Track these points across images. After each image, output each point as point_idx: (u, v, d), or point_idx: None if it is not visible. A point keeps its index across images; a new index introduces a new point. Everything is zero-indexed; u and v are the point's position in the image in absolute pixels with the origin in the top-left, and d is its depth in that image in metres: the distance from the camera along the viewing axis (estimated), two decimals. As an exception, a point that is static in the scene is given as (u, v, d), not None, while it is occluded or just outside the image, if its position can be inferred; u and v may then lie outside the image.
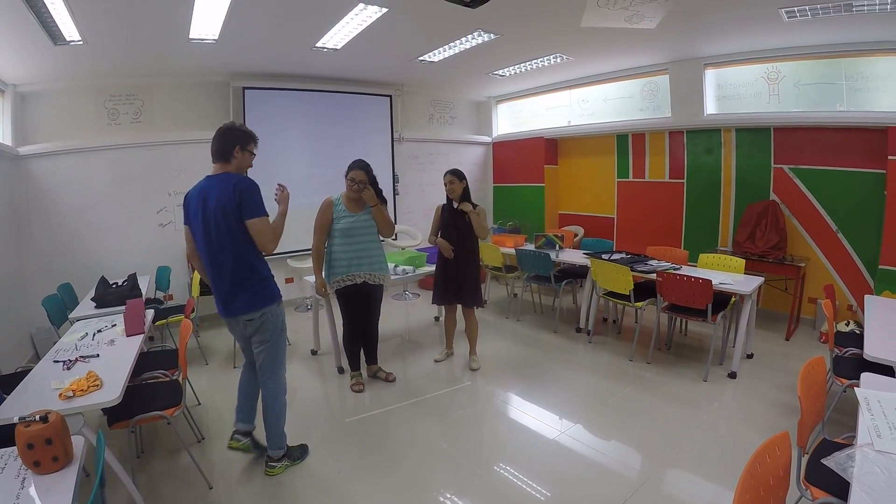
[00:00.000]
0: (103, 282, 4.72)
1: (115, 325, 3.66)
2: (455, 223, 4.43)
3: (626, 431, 3.55)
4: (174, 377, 3.47)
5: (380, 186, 4.06)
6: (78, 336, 3.46)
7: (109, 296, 4.42)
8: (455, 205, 4.40)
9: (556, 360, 4.92)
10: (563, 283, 5.63)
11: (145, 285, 5.18)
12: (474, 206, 4.38)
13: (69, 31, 4.24)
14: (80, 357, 3.00)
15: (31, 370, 2.88)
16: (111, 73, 5.67)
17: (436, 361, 4.78)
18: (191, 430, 3.59)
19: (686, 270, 4.74)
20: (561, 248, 6.00)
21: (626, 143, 7.18)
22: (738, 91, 5.93)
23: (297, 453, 3.27)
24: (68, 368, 2.83)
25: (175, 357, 3.73)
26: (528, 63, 6.40)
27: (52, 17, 3.90)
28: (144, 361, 3.63)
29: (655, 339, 4.84)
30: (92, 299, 4.48)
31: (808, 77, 5.39)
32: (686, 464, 3.12)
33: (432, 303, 4.73)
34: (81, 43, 4.54)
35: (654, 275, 4.59)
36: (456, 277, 4.46)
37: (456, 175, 4.37)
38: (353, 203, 4.00)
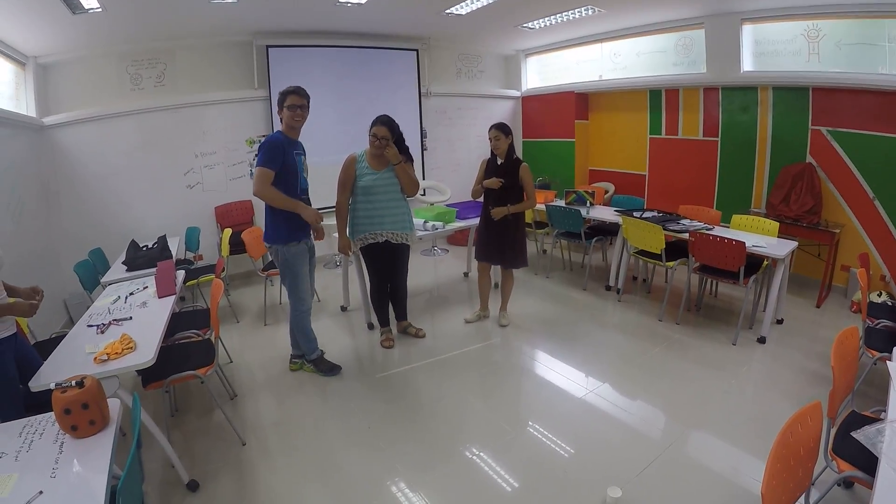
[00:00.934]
0: (133, 245, 4.78)
1: (146, 287, 3.70)
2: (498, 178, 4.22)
3: (653, 392, 3.53)
4: (206, 336, 3.52)
5: (406, 144, 3.98)
6: (111, 300, 3.50)
7: (140, 258, 4.48)
8: (498, 161, 4.23)
9: (584, 317, 4.90)
10: (594, 240, 5.56)
11: (175, 247, 5.22)
12: (519, 162, 4.21)
13: None
14: (114, 320, 3.04)
15: (65, 335, 2.92)
16: (132, 39, 5.58)
17: (466, 322, 4.72)
18: (224, 388, 3.67)
19: (718, 231, 4.61)
20: (592, 204, 5.89)
21: (660, 99, 6.92)
22: (776, 48, 5.62)
23: (325, 367, 3.82)
24: (102, 332, 2.87)
25: (207, 317, 3.78)
26: (558, 15, 6.15)
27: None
28: (177, 322, 3.66)
29: (685, 300, 4.74)
30: (123, 262, 4.55)
31: (849, 37, 5.07)
32: (712, 428, 3.09)
33: (475, 258, 4.62)
34: (100, 10, 4.46)
35: (687, 234, 4.48)
36: (498, 236, 4.33)
37: (502, 130, 4.14)
38: (376, 160, 3.92)
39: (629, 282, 5.63)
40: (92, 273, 4.58)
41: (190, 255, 5.84)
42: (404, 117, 7.27)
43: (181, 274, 4.08)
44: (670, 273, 4.78)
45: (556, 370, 3.89)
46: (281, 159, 3.30)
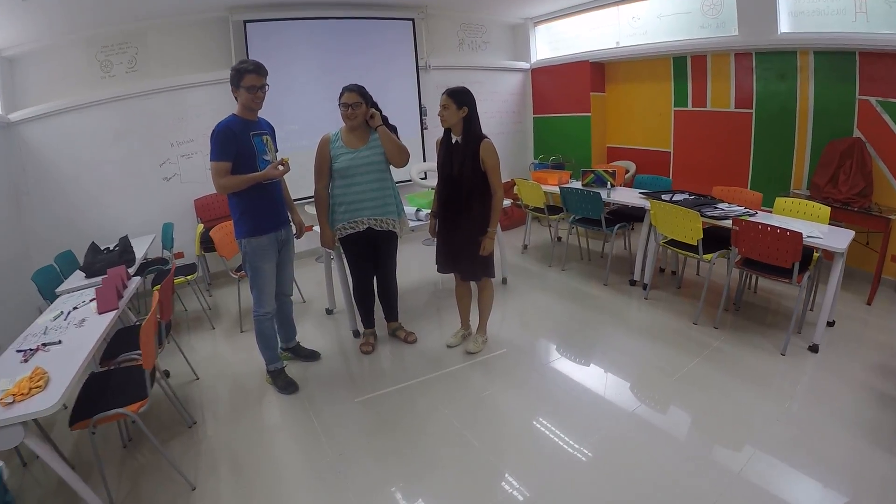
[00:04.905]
0: (93, 248, 4.26)
1: (93, 299, 3.18)
2: (451, 163, 3.31)
3: (700, 420, 2.89)
4: (159, 353, 3.03)
5: (384, 114, 3.45)
6: (52, 316, 3.06)
7: (98, 263, 3.96)
8: (453, 139, 3.31)
9: (607, 319, 4.25)
10: (616, 227, 4.87)
11: (145, 246, 4.81)
12: (479, 139, 3.24)
13: None
14: (42, 345, 2.59)
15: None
16: (98, 22, 5.14)
17: (449, 347, 3.80)
18: (180, 415, 3.15)
19: (762, 217, 3.94)
20: (613, 186, 5.20)
21: (685, 67, 6.22)
22: (817, 6, 4.90)
23: (281, 382, 3.42)
24: (26, 360, 2.44)
25: (165, 329, 3.27)
26: None
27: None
28: (126, 339, 3.19)
29: (724, 300, 4.04)
30: (80, 269, 4.04)
31: None
32: (771, 468, 2.46)
33: (437, 270, 3.67)
34: None
35: (729, 222, 3.81)
36: (454, 238, 3.45)
37: (452, 97, 3.19)
38: (353, 136, 3.39)
39: (656, 275, 4.95)
40: (57, 280, 4.11)
41: (167, 255, 5.30)
42: (401, 94, 6.76)
43: (135, 281, 3.59)
44: (709, 268, 4.12)
45: (575, 391, 3.24)
46: (234, 148, 2.94)
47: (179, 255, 5.72)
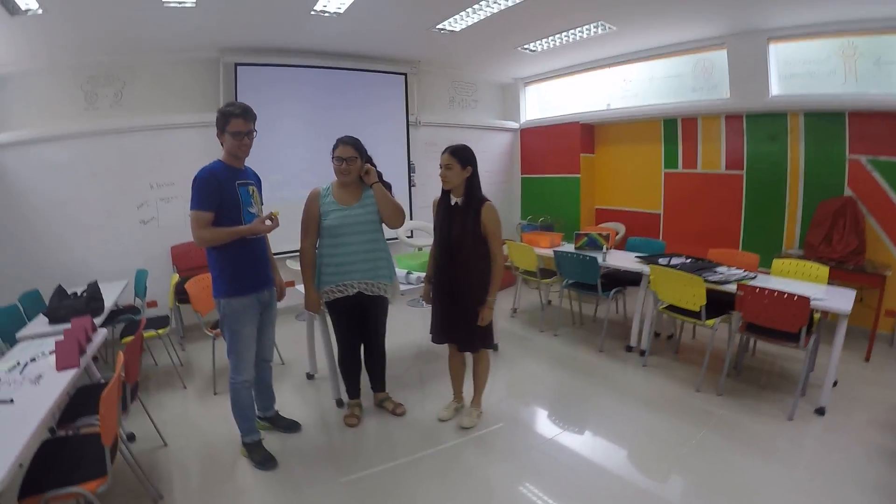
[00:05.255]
0: (59, 292, 3.96)
1: (53, 352, 2.86)
2: (450, 226, 3.12)
3: (713, 494, 2.69)
4: (123, 419, 2.74)
5: (378, 169, 3.23)
6: (7, 366, 2.76)
7: (63, 309, 3.66)
8: (453, 200, 3.14)
9: (607, 389, 4.03)
10: (612, 291, 4.72)
11: (116, 292, 4.51)
12: (482, 201, 3.07)
13: None
14: None
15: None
16: (86, 50, 4.99)
17: (441, 421, 3.50)
18: (144, 488, 2.79)
19: (762, 280, 3.90)
20: (607, 249, 5.08)
21: (675, 129, 6.29)
22: (807, 69, 5.04)
23: (258, 457, 3.07)
24: None
25: (131, 393, 2.96)
26: (564, 34, 5.50)
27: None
28: (88, 398, 2.86)
29: (727, 365, 3.90)
30: (45, 314, 3.73)
31: (890, 53, 4.54)
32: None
33: (431, 340, 3.45)
34: (40, 12, 3.90)
35: (733, 286, 3.71)
36: (451, 306, 3.21)
37: (456, 156, 3.02)
38: (345, 192, 3.18)
39: (652, 339, 4.78)
40: (18, 322, 3.84)
41: (139, 303, 4.98)
42: (390, 149, 6.64)
43: (101, 334, 3.30)
44: (703, 331, 3.97)
45: (578, 470, 3.00)
46: (218, 197, 2.73)
47: (152, 305, 5.43)
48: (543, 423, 3.60)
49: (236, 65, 5.58)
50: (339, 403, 3.75)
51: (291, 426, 3.44)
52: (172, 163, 5.44)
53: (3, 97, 5.00)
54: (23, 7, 3.80)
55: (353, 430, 3.44)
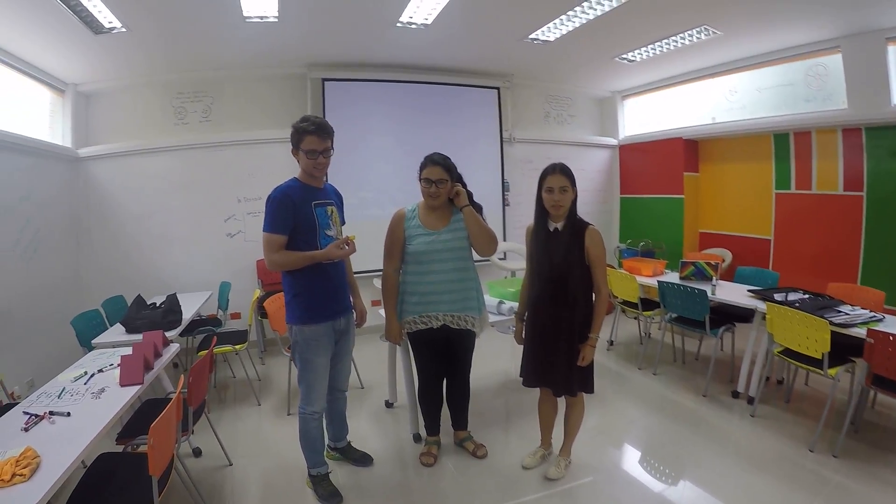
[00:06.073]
0: (138, 302, 4.00)
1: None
2: (550, 256, 2.75)
3: None
4: (182, 440, 2.61)
5: (469, 189, 2.96)
6: (74, 375, 2.72)
7: (140, 320, 3.68)
8: (552, 226, 2.78)
9: (706, 440, 3.54)
10: (722, 329, 4.20)
11: (201, 302, 4.61)
12: (584, 226, 2.75)
13: (105, 16, 3.78)
14: (49, 413, 2.22)
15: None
16: (173, 67, 5.21)
17: (524, 468, 3.13)
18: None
19: (892, 324, 3.31)
20: (716, 280, 4.55)
21: (787, 145, 5.68)
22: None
23: (324, 492, 2.85)
24: (27, 429, 2.11)
25: (195, 412, 2.87)
26: (664, 42, 5.12)
27: (79, 1, 3.51)
28: (153, 413, 2.69)
29: (848, 422, 3.29)
30: (122, 322, 3.75)
31: None
32: None
33: (522, 383, 3.04)
34: (124, 30, 4.05)
35: (863, 332, 3.16)
36: (551, 346, 2.82)
37: (569, 176, 2.70)
38: (432, 215, 2.94)
39: (761, 383, 4.11)
40: (98, 328, 3.93)
41: (222, 314, 5.01)
42: (483, 167, 6.43)
43: (172, 349, 3.21)
44: (817, 378, 3.40)
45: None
46: (291, 219, 2.55)
47: (236, 316, 5.50)
48: (637, 480, 3.15)
49: (323, 80, 5.57)
50: (417, 438, 3.50)
51: (363, 459, 3.22)
52: (260, 177, 5.46)
53: (94, 112, 5.29)
54: (106, 25, 3.92)
55: (429, 470, 3.17)
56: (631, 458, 3.41)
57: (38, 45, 4.17)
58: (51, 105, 4.95)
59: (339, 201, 2.89)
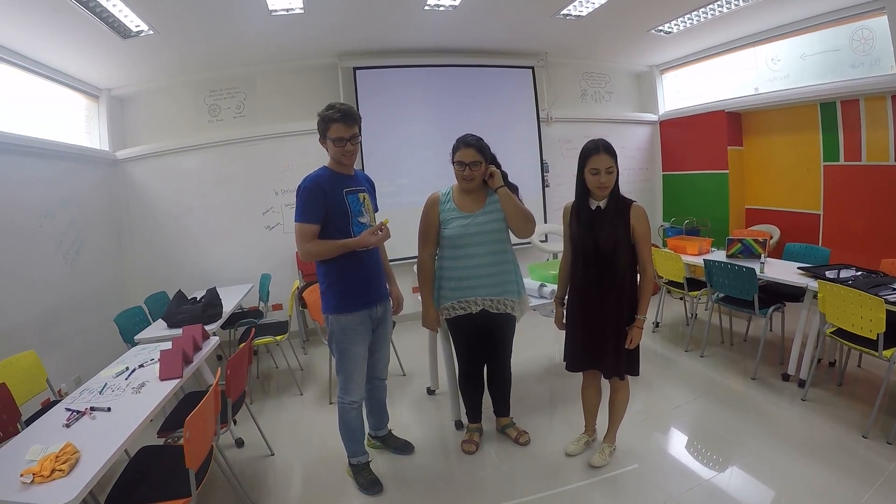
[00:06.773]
0: (179, 297, 4.08)
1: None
2: (594, 235, 2.64)
3: None
4: (222, 433, 2.64)
5: (504, 170, 2.88)
6: (116, 371, 2.79)
7: (181, 314, 3.74)
8: (594, 204, 2.68)
9: (756, 426, 3.41)
10: (771, 308, 4.04)
11: (242, 294, 4.66)
12: (628, 204, 2.64)
13: (132, 20, 3.84)
14: (90, 409, 2.26)
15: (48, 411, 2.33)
16: (205, 65, 5.28)
17: (568, 455, 3.08)
18: (239, 500, 2.76)
19: None
20: (765, 258, 4.36)
21: (834, 114, 5.40)
22: None
23: (364, 480, 2.87)
24: (68, 425, 2.15)
25: (235, 402, 2.92)
26: (701, 11, 4.93)
27: (103, 6, 3.56)
28: (194, 406, 2.74)
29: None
30: (163, 318, 3.81)
31: None
32: None
33: (566, 368, 2.99)
34: (152, 33, 4.11)
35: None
36: (598, 328, 2.74)
37: (611, 153, 2.57)
38: (467, 198, 2.88)
39: (812, 366, 3.92)
40: (142, 324, 4.05)
41: (263, 306, 5.11)
42: (521, 149, 6.35)
43: (213, 342, 3.24)
44: (871, 359, 3.28)
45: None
46: (323, 207, 2.53)
47: (278, 308, 5.60)
48: (683, 467, 3.06)
49: (354, 69, 5.56)
50: (459, 426, 3.49)
51: (404, 447, 3.23)
52: (296, 169, 5.51)
53: (129, 115, 5.43)
54: (134, 29, 3.98)
55: (470, 458, 3.15)
56: (677, 445, 3.32)
57: (69, 55, 4.27)
58: (86, 111, 5.08)
59: (370, 188, 2.87)
